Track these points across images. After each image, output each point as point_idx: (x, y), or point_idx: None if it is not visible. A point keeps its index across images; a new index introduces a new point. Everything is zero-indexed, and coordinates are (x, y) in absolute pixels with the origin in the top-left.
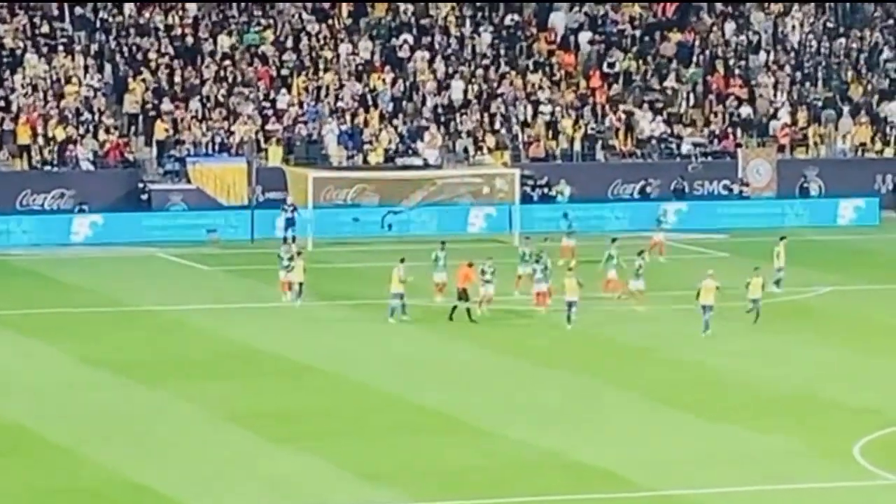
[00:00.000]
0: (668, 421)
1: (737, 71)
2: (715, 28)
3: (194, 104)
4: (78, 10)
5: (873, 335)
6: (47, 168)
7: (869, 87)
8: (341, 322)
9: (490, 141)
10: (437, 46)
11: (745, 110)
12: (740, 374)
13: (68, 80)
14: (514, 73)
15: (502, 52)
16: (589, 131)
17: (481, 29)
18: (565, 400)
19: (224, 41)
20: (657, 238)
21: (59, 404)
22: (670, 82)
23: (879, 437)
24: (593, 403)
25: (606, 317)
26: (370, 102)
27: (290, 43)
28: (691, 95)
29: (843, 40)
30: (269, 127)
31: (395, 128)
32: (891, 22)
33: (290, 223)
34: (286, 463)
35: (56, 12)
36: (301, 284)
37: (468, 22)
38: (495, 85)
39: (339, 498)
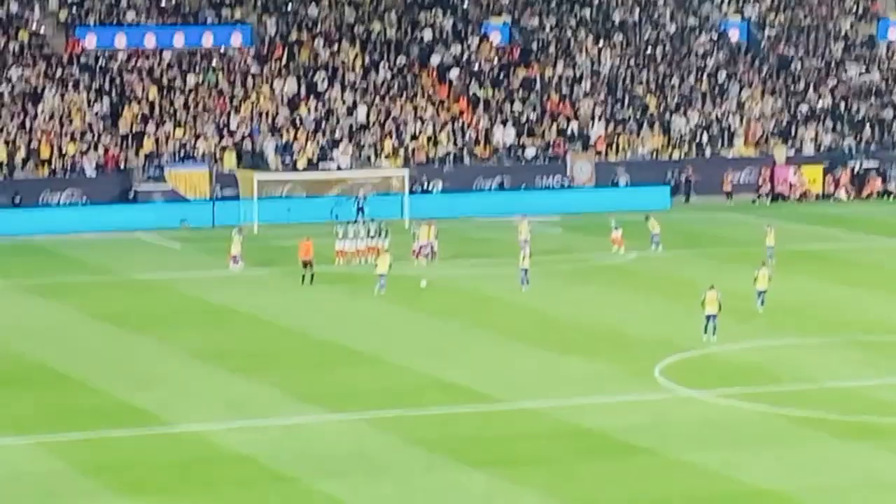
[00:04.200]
0: (517, 352)
1: (566, 95)
2: (549, 65)
3: (169, 126)
4: (83, 58)
5: (666, 287)
6: (61, 175)
7: (661, 107)
8: (277, 285)
9: (387, 149)
10: (346, 81)
11: (572, 124)
12: (568, 317)
13: (77, 110)
14: (404, 99)
15: (396, 84)
16: (458, 142)
17: (380, 66)
18: (438, 337)
19: (191, 79)
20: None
21: (70, 347)
22: (517, 105)
23: (674, 361)
24: (460, 339)
25: (467, 275)
26: (298, 123)
27: (238, 80)
28: (533, 115)
29: (644, 72)
30: (224, 142)
31: (317, 142)
32: (677, 57)
33: (360, 210)
34: (240, 388)
35: (66, 59)
36: (236, 256)
37: (367, 62)
38: (391, 108)
39: (281, 413)
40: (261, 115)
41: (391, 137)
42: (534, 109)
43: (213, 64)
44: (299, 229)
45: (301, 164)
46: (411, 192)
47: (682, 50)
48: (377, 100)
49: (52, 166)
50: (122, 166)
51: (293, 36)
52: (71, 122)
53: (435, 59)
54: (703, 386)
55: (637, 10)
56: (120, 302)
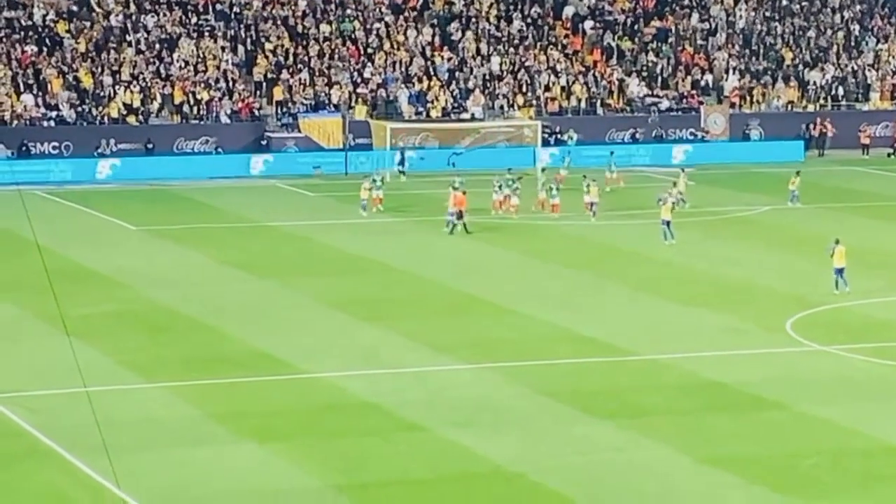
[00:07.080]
0: (648, 305)
1: (700, 47)
2: (684, 17)
3: (304, 74)
4: (218, 6)
5: (799, 241)
6: (195, 122)
7: (796, 60)
8: (409, 233)
9: (520, 100)
10: (480, 31)
11: (706, 77)
12: (700, 270)
13: (212, 57)
14: (537, 50)
15: (529, 34)
16: (591, 93)
17: (514, 17)
18: (570, 289)
19: (325, 28)
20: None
21: (202, 293)
22: (651, 56)
23: (805, 316)
24: (592, 292)
25: (601, 226)
26: (432, 73)
27: (372, 28)
28: (667, 66)
29: (777, 24)
30: (358, 90)
31: (450, 91)
32: (813, 9)
33: (401, 161)
34: (370, 336)
35: (202, 7)
36: (365, 201)
37: (502, 12)
38: (523, 59)
39: (410, 362)
40: (394, 64)
41: (524, 88)
42: (668, 61)
43: (348, 13)
44: (433, 178)
45: (434, 113)
46: (544, 143)
47: (818, 2)
48: (511, 50)
49: (187, 113)
50: (255, 114)
51: None
52: (206, 69)
53: (569, 10)
54: (835, 341)
55: None
56: (252, 249)
